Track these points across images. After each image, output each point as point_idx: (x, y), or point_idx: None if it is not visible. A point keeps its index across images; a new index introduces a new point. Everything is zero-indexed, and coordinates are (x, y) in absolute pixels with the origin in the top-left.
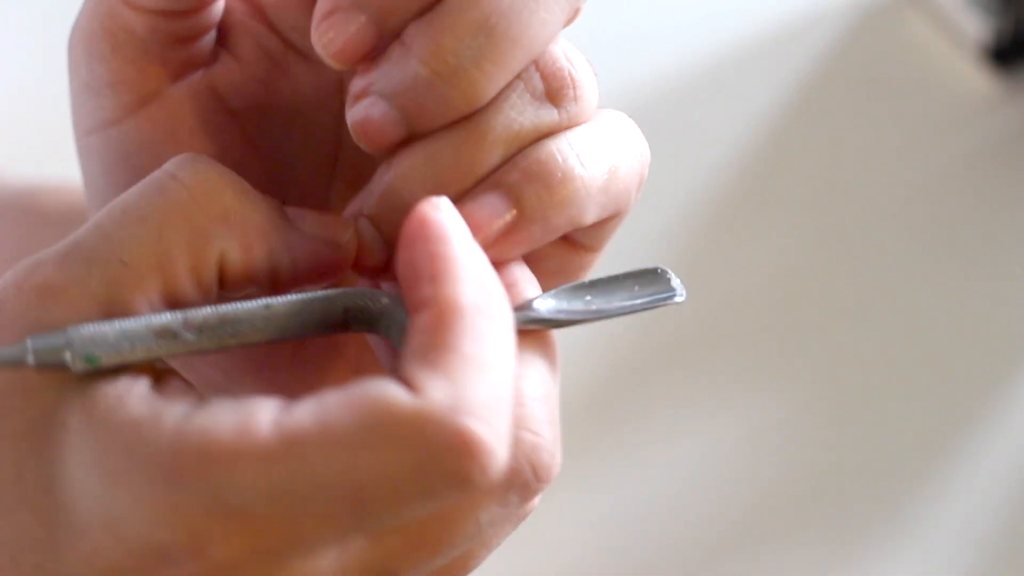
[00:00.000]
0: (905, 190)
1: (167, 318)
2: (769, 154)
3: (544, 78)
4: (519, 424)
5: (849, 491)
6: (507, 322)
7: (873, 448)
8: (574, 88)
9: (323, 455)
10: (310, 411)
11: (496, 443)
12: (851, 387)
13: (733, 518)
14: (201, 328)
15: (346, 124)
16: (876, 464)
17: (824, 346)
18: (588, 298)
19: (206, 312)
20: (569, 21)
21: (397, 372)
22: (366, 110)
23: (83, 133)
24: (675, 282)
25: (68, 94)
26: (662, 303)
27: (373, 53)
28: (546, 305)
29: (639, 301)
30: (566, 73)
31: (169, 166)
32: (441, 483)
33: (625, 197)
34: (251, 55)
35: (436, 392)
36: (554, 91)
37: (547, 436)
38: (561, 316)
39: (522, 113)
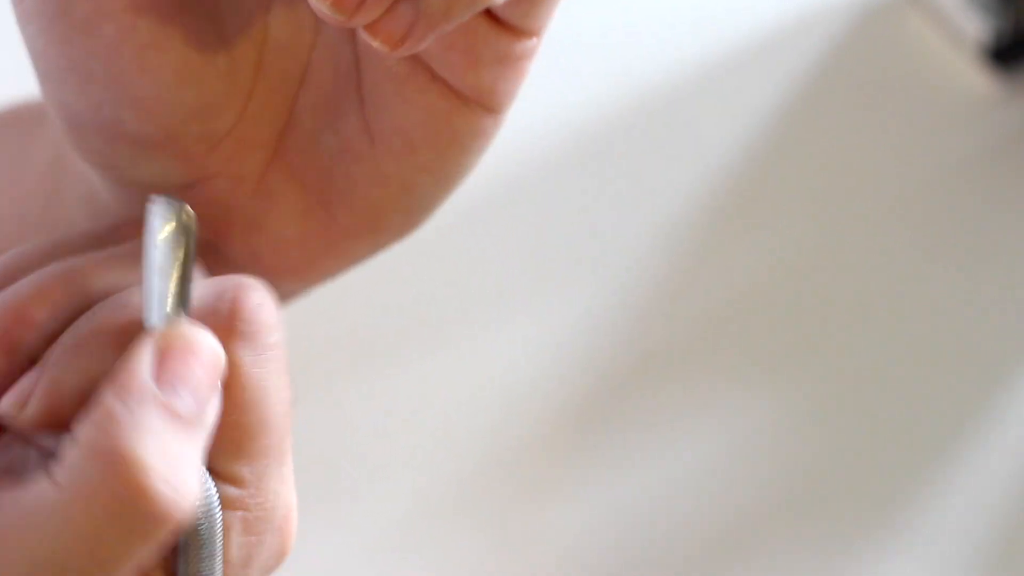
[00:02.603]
0: (905, 190)
1: None
2: (767, 154)
3: None
4: None
5: (848, 492)
6: None
7: (872, 449)
8: None
9: None
10: None
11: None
12: (850, 388)
13: (730, 519)
14: None
15: None
16: (875, 465)
17: (823, 347)
18: None
19: None
20: None
21: None
22: None
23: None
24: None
25: None
26: None
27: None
28: None
29: None
30: None
31: None
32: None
33: None
34: None
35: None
36: None
37: None
38: None
39: None
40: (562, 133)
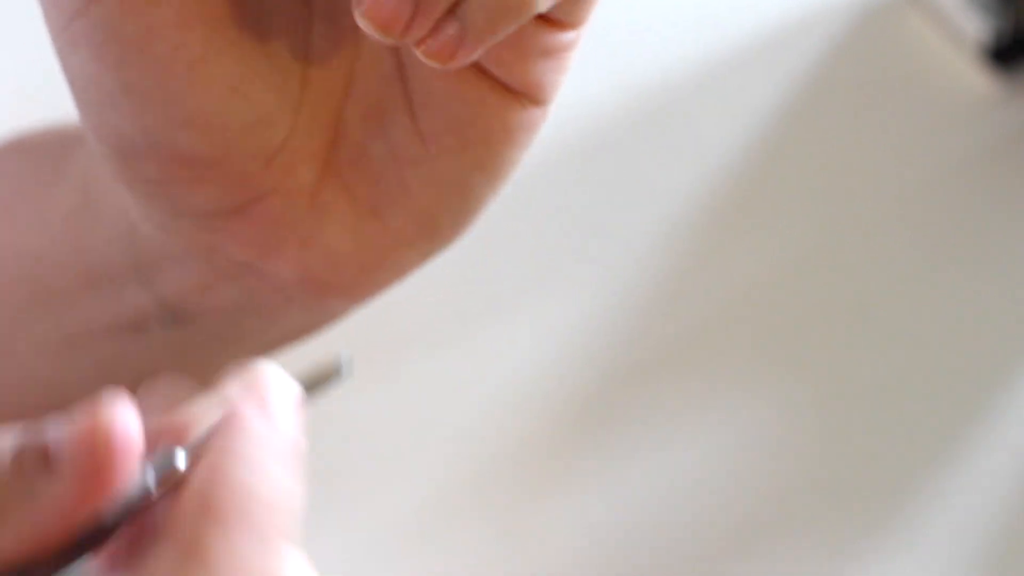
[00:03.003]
0: (904, 190)
1: None
2: (768, 154)
3: None
4: None
5: (849, 491)
6: None
7: (873, 449)
8: None
9: None
10: None
11: None
12: (850, 388)
13: (731, 519)
14: None
15: None
16: (875, 465)
17: (823, 347)
18: None
19: None
20: None
21: None
22: None
23: (65, 25)
24: (343, 366)
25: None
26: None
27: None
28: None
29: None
30: None
31: None
32: None
33: None
34: None
35: None
36: None
37: None
38: None
39: None
40: (563, 133)
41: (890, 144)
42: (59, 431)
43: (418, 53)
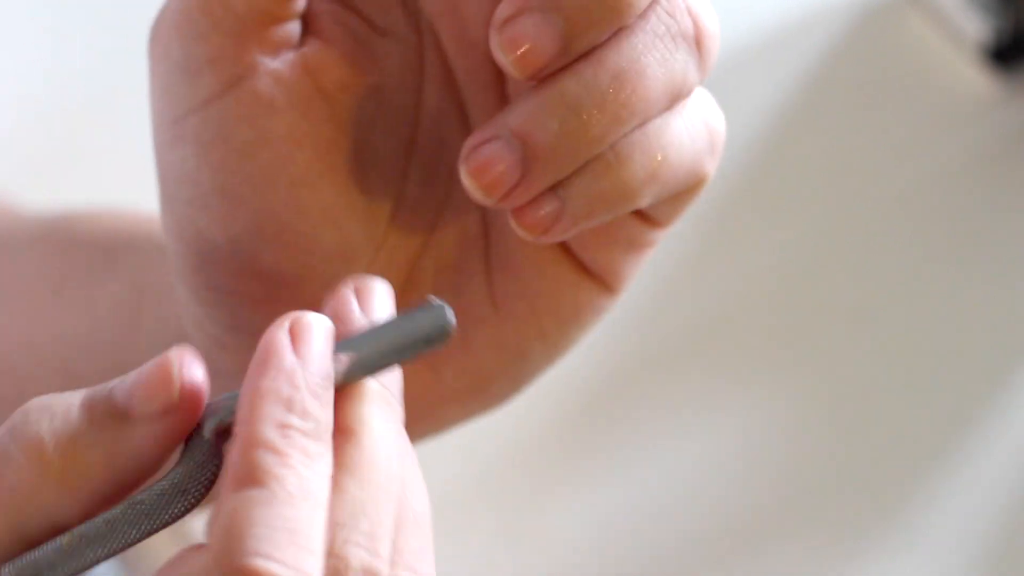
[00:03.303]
0: (905, 190)
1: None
2: (769, 154)
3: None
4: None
5: (849, 491)
6: (306, 454)
7: (873, 448)
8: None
9: None
10: None
11: (276, 572)
12: (851, 387)
13: (733, 518)
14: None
15: (424, 105)
16: (876, 464)
17: (824, 346)
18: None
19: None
20: None
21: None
22: (521, 26)
23: (176, 119)
24: (444, 312)
25: (148, 91)
26: (435, 334)
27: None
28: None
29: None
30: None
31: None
32: None
33: (690, 174)
34: (336, 35)
35: (213, 540)
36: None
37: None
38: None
39: (669, 51)
40: None
41: (890, 144)
42: (126, 381)
43: (513, 222)
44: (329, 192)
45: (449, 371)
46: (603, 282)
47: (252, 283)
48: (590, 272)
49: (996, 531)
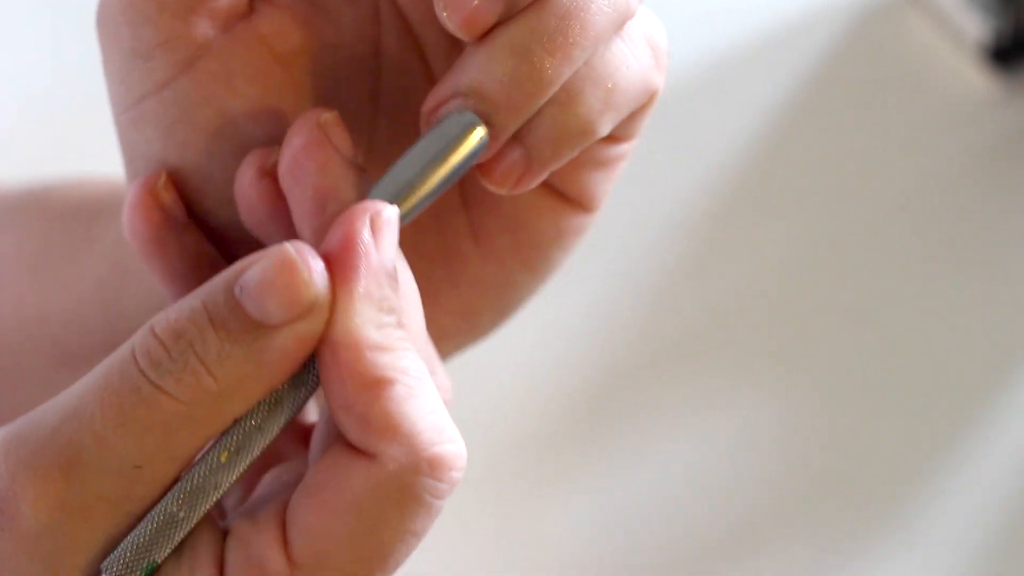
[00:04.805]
0: (905, 190)
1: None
2: (769, 154)
3: None
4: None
5: (848, 491)
6: (403, 342)
7: (873, 447)
8: None
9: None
10: (305, 539)
11: (459, 449)
12: (850, 386)
13: (732, 517)
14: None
15: (384, 55)
16: (875, 463)
17: (824, 345)
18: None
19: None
20: None
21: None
22: None
23: (132, 103)
24: (471, 119)
25: (103, 72)
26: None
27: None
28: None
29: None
30: None
31: (142, 360)
32: (434, 507)
33: (641, 92)
34: None
35: (382, 446)
36: None
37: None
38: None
39: None
40: None
41: (890, 144)
42: (248, 282)
43: (483, 179)
44: None
45: (435, 311)
46: (580, 204)
47: (228, 250)
48: (566, 197)
49: (996, 531)
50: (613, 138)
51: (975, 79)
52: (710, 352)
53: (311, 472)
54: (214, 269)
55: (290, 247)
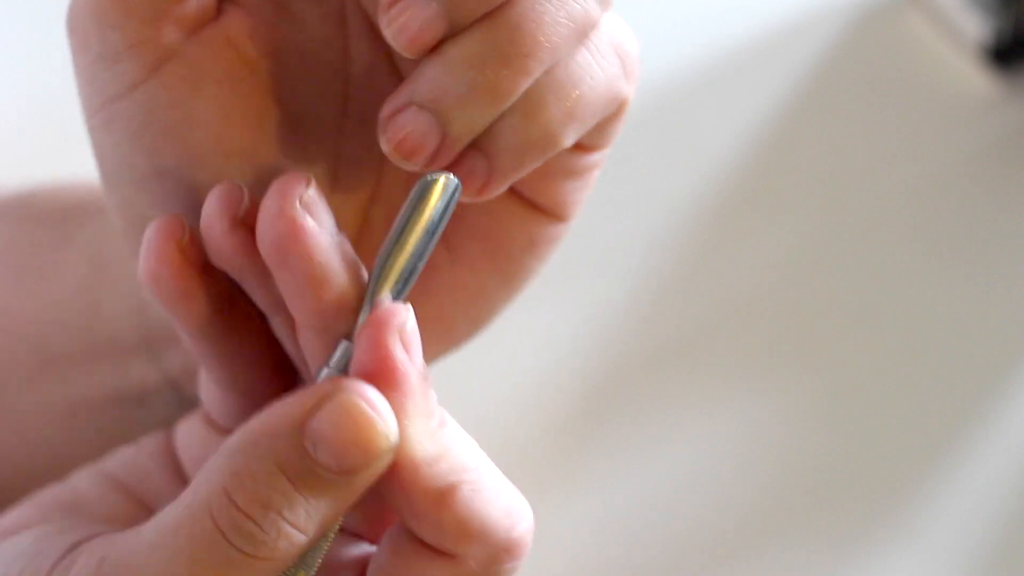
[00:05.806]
0: (905, 190)
1: None
2: (769, 154)
3: None
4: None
5: (849, 491)
6: (454, 440)
7: (873, 447)
8: None
9: None
10: None
11: (529, 520)
12: (851, 387)
13: (732, 518)
14: None
15: (353, 60)
16: (876, 464)
17: (823, 346)
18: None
19: None
20: None
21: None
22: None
23: (102, 105)
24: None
25: (73, 74)
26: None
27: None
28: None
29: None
30: None
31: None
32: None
33: (608, 101)
34: (253, 1)
35: (461, 542)
36: None
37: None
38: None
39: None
40: None
41: (890, 144)
42: (320, 432)
43: None
44: (265, 163)
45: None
46: (552, 213)
47: None
48: (538, 206)
49: (996, 531)
50: (582, 147)
51: (975, 79)
52: (711, 352)
53: (384, 569)
54: (239, 311)
55: (357, 396)
